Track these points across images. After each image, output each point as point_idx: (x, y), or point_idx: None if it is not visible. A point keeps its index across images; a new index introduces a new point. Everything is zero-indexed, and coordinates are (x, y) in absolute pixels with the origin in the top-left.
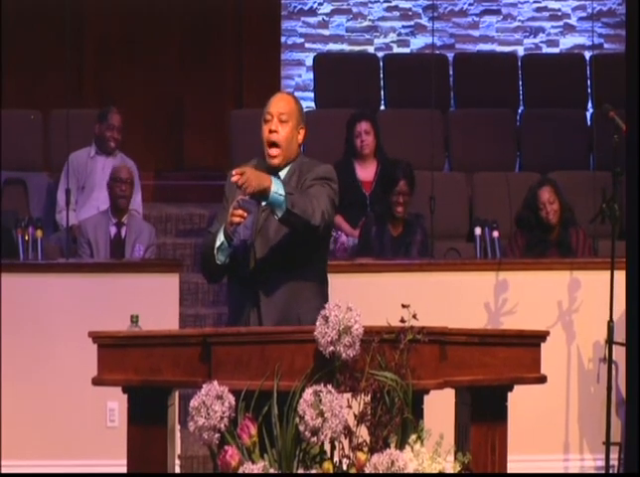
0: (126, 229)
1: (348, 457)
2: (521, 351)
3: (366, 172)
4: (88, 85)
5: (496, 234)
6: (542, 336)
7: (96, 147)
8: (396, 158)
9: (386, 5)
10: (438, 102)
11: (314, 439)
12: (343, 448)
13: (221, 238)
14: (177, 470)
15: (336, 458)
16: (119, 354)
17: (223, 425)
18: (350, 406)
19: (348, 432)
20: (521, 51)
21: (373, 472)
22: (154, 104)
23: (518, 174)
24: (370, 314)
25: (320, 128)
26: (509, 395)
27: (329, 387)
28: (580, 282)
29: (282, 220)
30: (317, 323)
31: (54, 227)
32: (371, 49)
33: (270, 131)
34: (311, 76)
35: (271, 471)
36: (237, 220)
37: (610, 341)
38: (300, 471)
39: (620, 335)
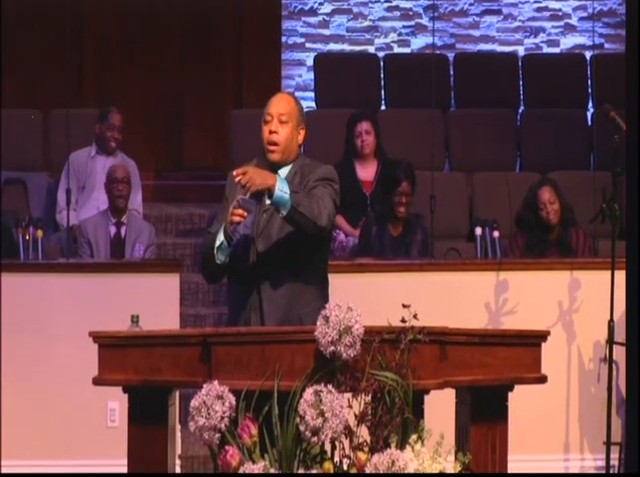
0: (126, 228)
1: (348, 457)
2: (521, 351)
3: (366, 172)
4: (88, 85)
5: (496, 234)
6: (542, 336)
7: (97, 147)
8: (396, 158)
9: (386, 5)
10: (439, 102)
11: (315, 439)
12: (343, 448)
13: (220, 238)
14: (177, 470)
15: (336, 458)
16: (120, 354)
17: (223, 425)
18: (350, 406)
19: (348, 432)
20: (521, 51)
21: (373, 472)
22: (154, 104)
23: (518, 174)
24: (370, 314)
25: (320, 128)
26: (509, 394)
27: (329, 387)
28: (580, 282)
29: (287, 218)
30: (318, 323)
31: (54, 227)
32: (371, 49)
33: (270, 132)
34: (312, 76)
35: (272, 471)
36: (236, 219)
37: (611, 341)
38: (301, 471)
39: (620, 335)
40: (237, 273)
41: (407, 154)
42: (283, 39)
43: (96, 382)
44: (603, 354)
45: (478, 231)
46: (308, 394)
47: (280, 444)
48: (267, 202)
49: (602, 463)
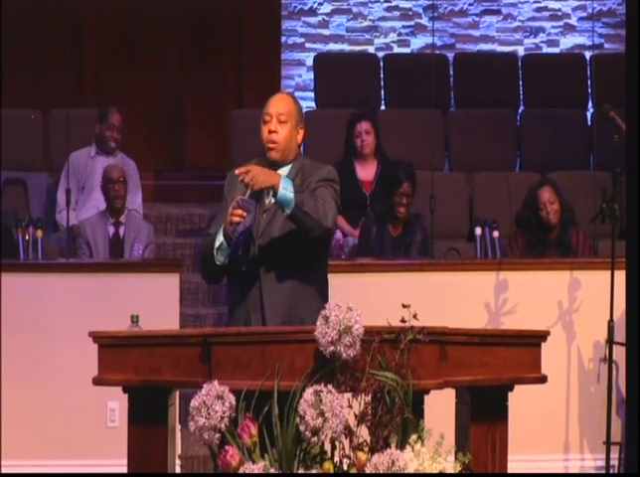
0: (124, 228)
1: (348, 457)
2: (521, 351)
3: (366, 172)
4: (88, 85)
5: (496, 234)
6: (542, 336)
7: (97, 147)
8: (397, 158)
9: (386, 5)
10: (438, 102)
11: (315, 439)
12: (343, 448)
13: (220, 239)
14: (177, 470)
15: (336, 458)
16: (120, 354)
17: (223, 425)
18: (350, 406)
19: (348, 432)
20: (521, 51)
21: (373, 472)
22: (154, 104)
23: (518, 174)
24: (370, 314)
25: (320, 128)
26: (509, 394)
27: (329, 387)
28: (580, 282)
29: (291, 217)
30: (317, 323)
31: (54, 227)
32: (371, 49)
33: (270, 132)
34: (311, 76)
35: (272, 471)
36: (236, 219)
37: (610, 341)
38: (301, 471)
39: (620, 335)
40: (236, 274)
41: (407, 154)
42: (283, 39)
43: (96, 382)
44: (603, 354)
45: (478, 231)
46: (308, 394)
47: (280, 444)
48: (267, 201)
49: (602, 463)
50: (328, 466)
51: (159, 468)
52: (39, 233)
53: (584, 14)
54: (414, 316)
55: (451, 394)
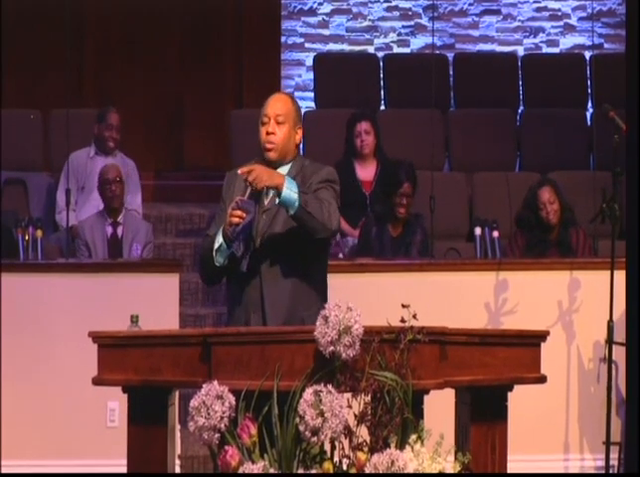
0: (123, 228)
1: (348, 457)
2: (521, 351)
3: (366, 172)
4: (88, 85)
5: (496, 234)
6: (542, 336)
7: (96, 147)
8: (397, 158)
9: (386, 5)
10: (438, 102)
11: (314, 439)
12: (343, 448)
13: (219, 240)
14: (177, 470)
15: (336, 458)
16: (119, 354)
17: (223, 425)
18: (350, 406)
19: (348, 432)
20: (521, 51)
21: (373, 472)
22: (154, 104)
23: (518, 174)
24: (370, 314)
25: (320, 128)
26: (509, 394)
27: (329, 387)
28: (580, 282)
29: (295, 217)
30: (317, 323)
31: (54, 227)
32: (371, 49)
33: (267, 133)
34: (311, 76)
35: (271, 471)
36: (235, 220)
37: (610, 341)
38: (300, 471)
39: (620, 335)
40: (236, 274)
41: (407, 154)
42: (283, 39)
43: (96, 382)
44: (603, 354)
45: (478, 231)
46: (308, 394)
47: (280, 444)
48: (266, 202)
49: (602, 463)
50: (328, 466)
51: (159, 468)
52: (39, 233)
53: (584, 14)
54: (414, 316)
55: (451, 394)
